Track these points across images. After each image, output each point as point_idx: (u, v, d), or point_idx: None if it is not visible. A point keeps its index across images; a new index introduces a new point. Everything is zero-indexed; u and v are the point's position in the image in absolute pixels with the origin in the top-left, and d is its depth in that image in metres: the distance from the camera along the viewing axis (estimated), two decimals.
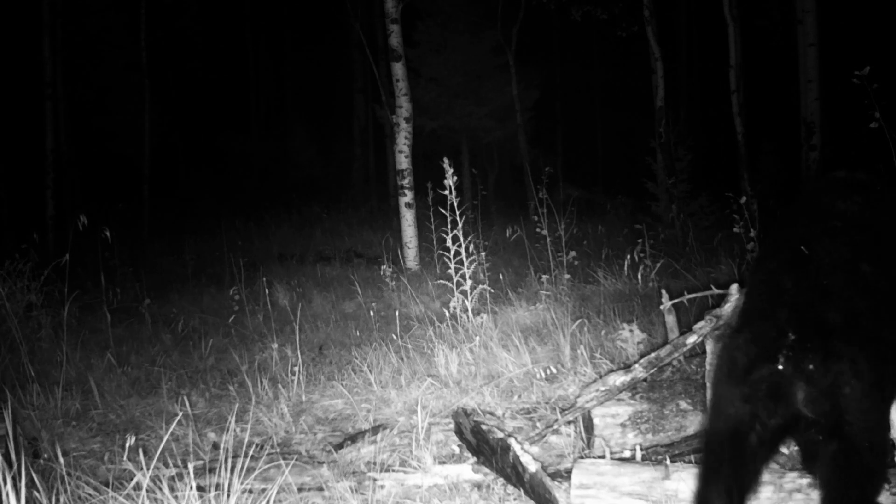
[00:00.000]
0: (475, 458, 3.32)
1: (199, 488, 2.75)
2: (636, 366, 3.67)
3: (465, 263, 5.34)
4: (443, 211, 5.44)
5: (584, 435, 3.50)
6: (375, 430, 3.81)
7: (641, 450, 3.11)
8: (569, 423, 3.56)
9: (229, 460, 2.76)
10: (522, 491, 2.96)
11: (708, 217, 9.33)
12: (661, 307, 4.26)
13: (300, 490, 3.09)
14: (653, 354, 3.74)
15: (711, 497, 2.17)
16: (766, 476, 2.56)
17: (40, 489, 2.62)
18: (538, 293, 6.06)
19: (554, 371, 4.41)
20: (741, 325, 2.35)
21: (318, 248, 10.98)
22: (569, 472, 2.88)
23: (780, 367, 2.06)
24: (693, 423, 3.39)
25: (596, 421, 3.41)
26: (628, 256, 6.53)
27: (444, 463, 3.33)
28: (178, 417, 3.64)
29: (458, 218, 5.34)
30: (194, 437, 3.83)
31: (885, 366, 2.11)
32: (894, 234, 2.58)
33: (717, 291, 4.31)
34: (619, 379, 3.59)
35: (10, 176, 14.90)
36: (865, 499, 2.05)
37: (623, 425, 3.39)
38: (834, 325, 2.12)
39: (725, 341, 2.32)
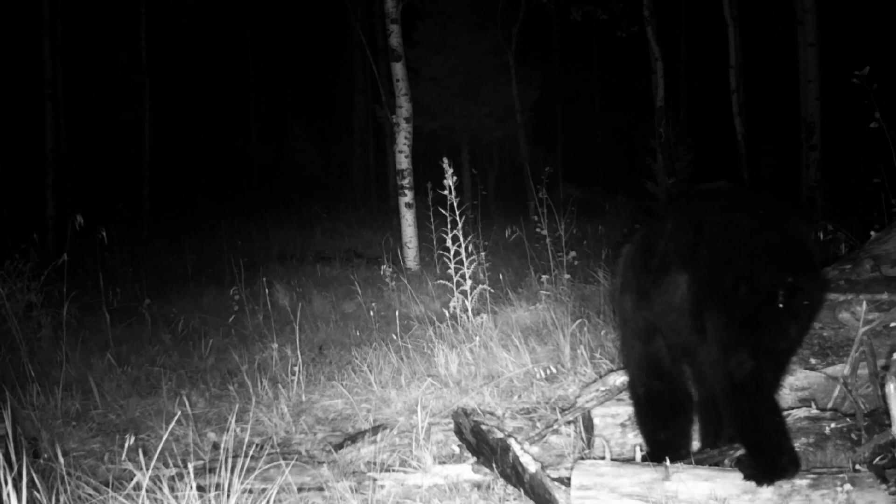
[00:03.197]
0: (475, 458, 3.32)
1: (199, 488, 2.75)
2: None
3: (465, 263, 5.33)
4: (443, 211, 5.44)
5: (584, 435, 3.50)
6: (375, 430, 3.80)
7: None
8: (569, 423, 3.56)
9: (229, 460, 2.76)
10: (522, 491, 2.96)
11: None
12: None
13: (300, 490, 3.09)
14: None
15: None
16: None
17: (40, 489, 2.62)
18: (538, 293, 6.05)
19: (554, 371, 4.40)
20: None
21: (318, 248, 10.98)
22: (570, 469, 2.88)
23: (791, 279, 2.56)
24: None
25: (596, 421, 3.41)
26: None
27: (444, 463, 3.33)
28: (178, 417, 3.64)
29: (457, 218, 5.34)
30: (194, 437, 3.83)
31: None
32: None
33: None
34: (619, 379, 3.59)
35: (10, 176, 14.88)
36: None
37: (623, 425, 3.39)
38: None
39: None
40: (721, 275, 2.62)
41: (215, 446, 3.75)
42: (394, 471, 3.26)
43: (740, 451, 2.87)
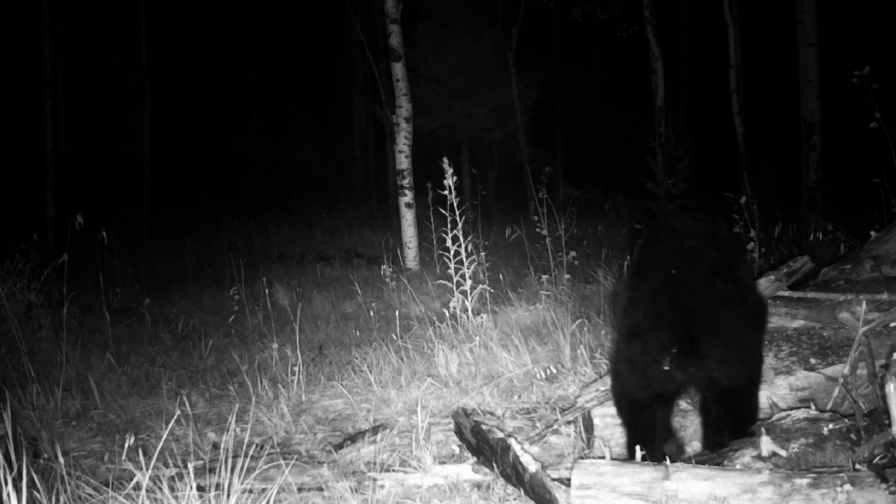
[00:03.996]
0: (475, 458, 3.32)
1: (199, 488, 2.75)
2: None
3: (465, 263, 5.33)
4: (443, 211, 5.44)
5: (584, 435, 3.50)
6: (375, 430, 3.81)
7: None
8: (569, 423, 3.56)
9: (229, 460, 2.76)
10: (522, 491, 2.96)
11: None
12: None
13: (300, 490, 3.09)
14: None
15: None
16: (765, 476, 2.59)
17: (40, 489, 2.62)
18: (538, 293, 6.05)
19: (554, 371, 4.41)
20: (631, 335, 3.08)
21: (318, 248, 10.97)
22: (570, 469, 2.88)
23: (666, 367, 2.91)
24: (693, 422, 3.38)
25: (596, 421, 3.41)
26: (628, 256, 6.52)
27: (444, 463, 3.33)
28: (178, 417, 3.64)
29: (457, 218, 5.34)
30: (194, 437, 3.84)
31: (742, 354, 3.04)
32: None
33: None
34: None
35: (10, 176, 14.89)
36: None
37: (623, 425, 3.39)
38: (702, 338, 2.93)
39: (622, 348, 3.15)
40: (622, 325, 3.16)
41: (215, 446, 3.75)
42: (394, 471, 3.26)
43: (740, 451, 2.87)
